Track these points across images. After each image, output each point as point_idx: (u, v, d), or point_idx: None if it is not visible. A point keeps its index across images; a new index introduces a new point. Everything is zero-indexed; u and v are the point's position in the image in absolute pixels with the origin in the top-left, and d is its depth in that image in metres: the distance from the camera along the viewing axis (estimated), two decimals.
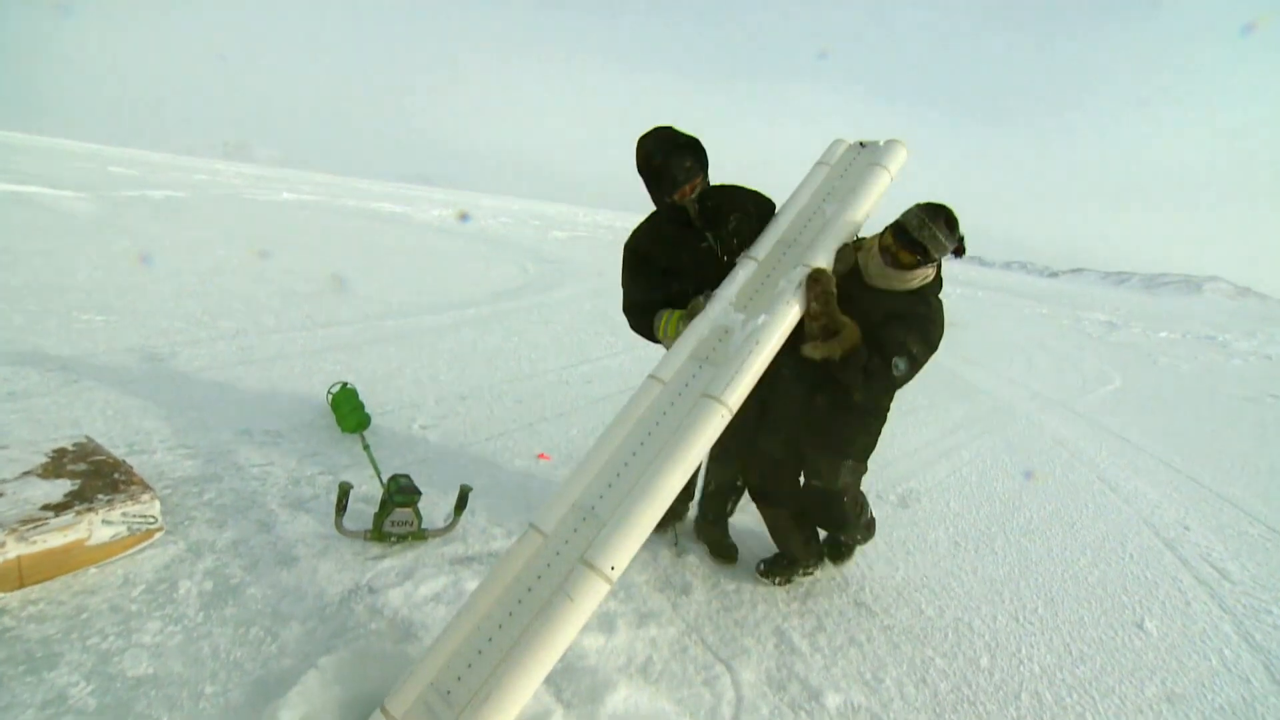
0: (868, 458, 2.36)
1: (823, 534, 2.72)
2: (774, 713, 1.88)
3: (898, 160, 2.18)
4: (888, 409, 2.32)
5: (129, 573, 1.93)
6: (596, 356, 5.54)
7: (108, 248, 7.67)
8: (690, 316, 2.00)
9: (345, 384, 3.43)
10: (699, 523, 2.78)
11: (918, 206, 1.94)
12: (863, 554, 2.95)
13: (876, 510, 3.41)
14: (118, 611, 1.78)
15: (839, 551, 2.71)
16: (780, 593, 2.50)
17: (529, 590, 1.50)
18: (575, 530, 1.55)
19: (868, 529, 2.63)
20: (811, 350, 1.97)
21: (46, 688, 1.52)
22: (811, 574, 2.60)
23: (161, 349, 4.16)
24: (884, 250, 1.98)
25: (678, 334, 1.98)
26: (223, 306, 5.50)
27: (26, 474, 2.06)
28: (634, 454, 1.66)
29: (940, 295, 2.15)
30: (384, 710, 1.45)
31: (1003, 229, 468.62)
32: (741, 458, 2.53)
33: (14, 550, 1.78)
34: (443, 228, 18.74)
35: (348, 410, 3.29)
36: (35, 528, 1.83)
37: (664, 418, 1.73)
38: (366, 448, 2.94)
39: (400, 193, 45.70)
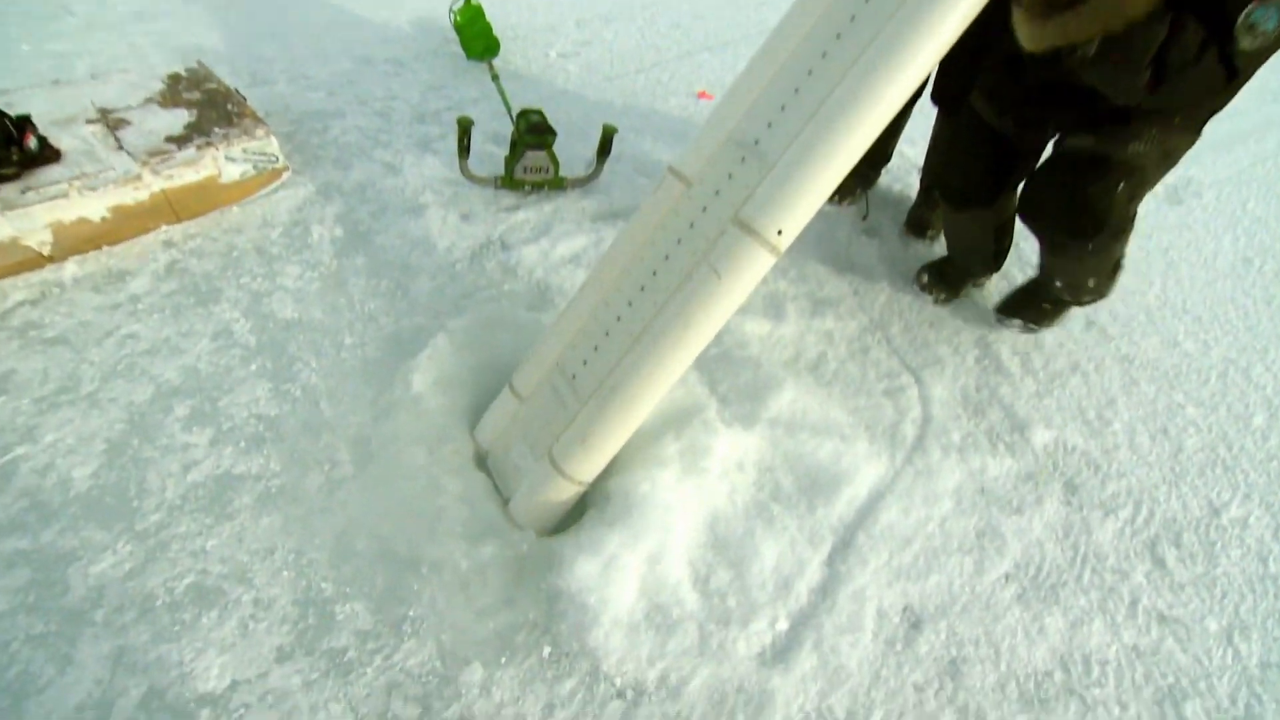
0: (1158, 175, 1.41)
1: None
2: (967, 441, 1.51)
3: None
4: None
5: (266, 214, 1.84)
6: None
7: None
8: None
9: (470, 0, 2.77)
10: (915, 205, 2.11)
11: None
12: None
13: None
14: (262, 254, 1.73)
15: (1038, 308, 1.79)
16: (993, 296, 1.89)
17: (666, 259, 1.09)
18: (730, 176, 1.05)
19: (1110, 275, 1.68)
20: (1030, 32, 1.02)
21: (215, 320, 1.55)
22: (981, 285, 1.91)
23: None
24: None
25: None
26: None
27: (149, 101, 1.90)
28: (810, 72, 0.99)
29: None
30: (511, 387, 1.28)
31: None
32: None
33: (155, 184, 1.70)
34: None
35: (474, 33, 2.71)
36: (164, 160, 1.71)
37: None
38: (495, 78, 2.44)
39: None
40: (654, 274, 1.11)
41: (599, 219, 1.96)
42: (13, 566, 1.12)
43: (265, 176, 1.88)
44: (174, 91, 1.96)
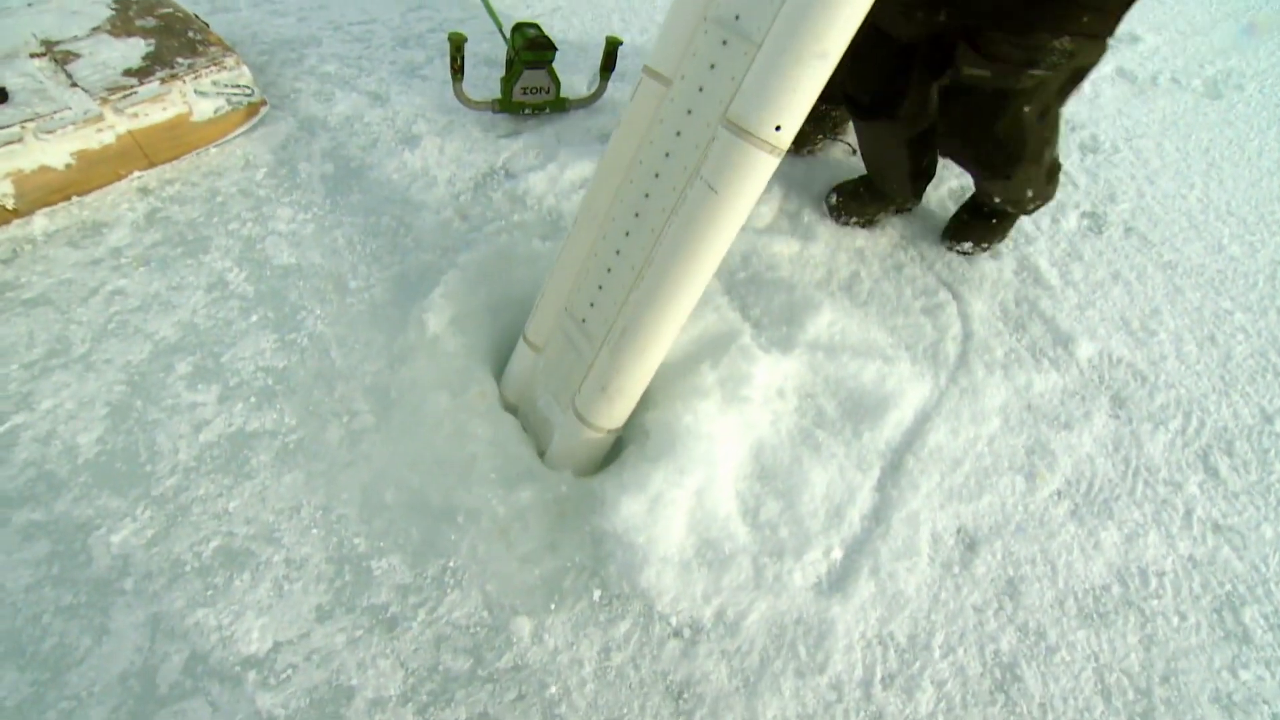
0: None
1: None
2: (1010, 356, 1.44)
3: None
4: None
5: (247, 153, 1.68)
6: None
7: None
8: None
9: None
10: None
11: None
12: (1141, 164, 1.99)
13: (1169, 101, 2.24)
14: (248, 196, 1.59)
15: (986, 225, 1.62)
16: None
17: (656, 177, 0.96)
18: (713, 67, 0.88)
19: (1048, 182, 1.51)
20: None
21: (206, 271, 1.44)
22: (906, 210, 1.74)
23: None
24: None
25: None
26: None
27: (97, 30, 1.71)
28: None
29: None
30: (525, 338, 1.19)
31: None
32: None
33: (121, 125, 1.55)
34: None
35: None
36: (126, 97, 1.55)
37: None
38: None
39: None
40: (646, 196, 0.98)
41: (608, 139, 1.81)
42: (31, 539, 1.06)
43: (242, 113, 1.72)
44: (125, 18, 1.76)
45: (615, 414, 1.08)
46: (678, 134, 0.93)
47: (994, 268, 1.62)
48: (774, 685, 1.00)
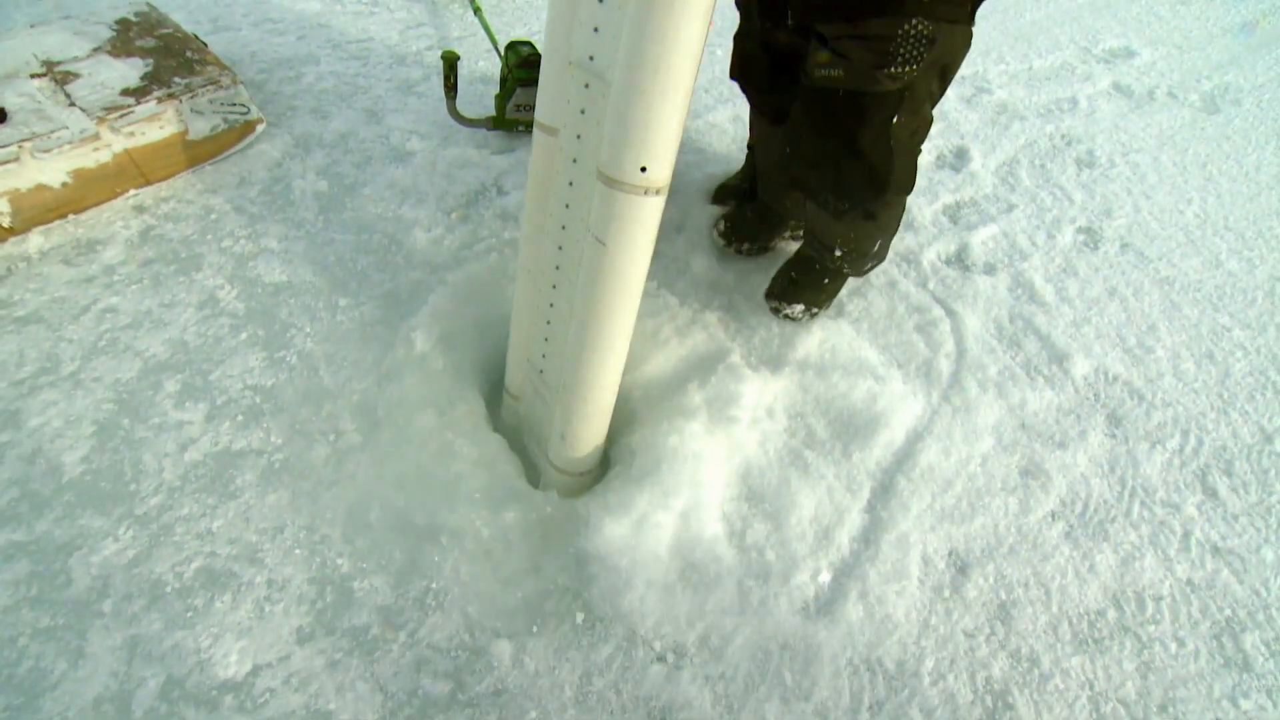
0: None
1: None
2: (1004, 374, 1.42)
3: None
4: None
5: (242, 171, 1.70)
6: None
7: None
8: None
9: None
10: None
11: None
12: (1138, 179, 1.97)
13: (1166, 115, 2.23)
14: (242, 213, 1.60)
15: (819, 286, 1.42)
16: (1021, 220, 1.78)
17: (563, 229, 0.96)
18: (583, 112, 0.85)
19: (892, 237, 1.35)
20: None
21: (198, 289, 1.45)
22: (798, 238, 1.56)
23: None
24: None
25: None
26: None
27: (97, 50, 1.74)
28: None
29: None
30: (506, 390, 1.22)
31: None
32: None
33: (117, 144, 1.57)
34: None
35: None
36: (123, 116, 1.57)
37: None
38: (478, 10, 2.24)
39: None
40: (560, 249, 0.98)
41: None
42: (10, 559, 1.06)
43: (238, 130, 1.73)
44: (125, 39, 1.79)
45: (578, 459, 1.10)
46: (570, 184, 0.92)
47: (988, 284, 1.61)
48: (758, 712, 0.98)
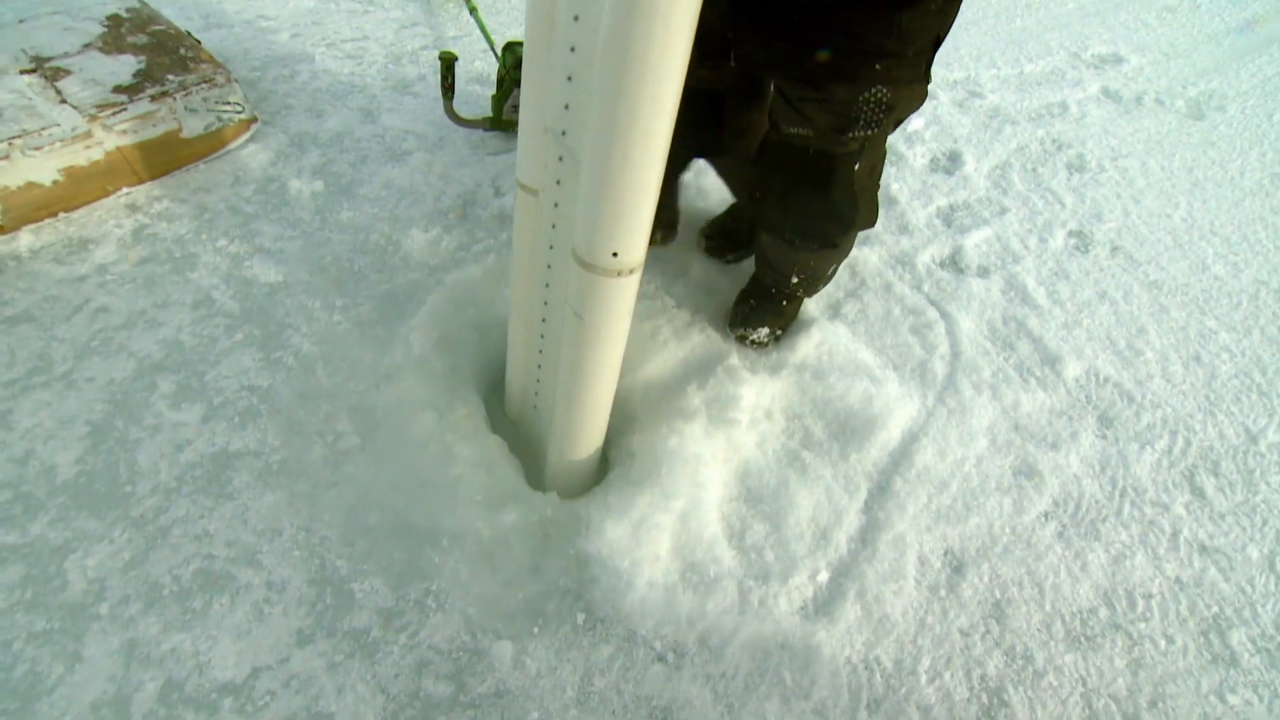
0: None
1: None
2: (998, 376, 1.44)
3: None
4: None
5: (237, 170, 1.69)
6: None
7: None
8: None
9: None
10: None
11: None
12: (1127, 183, 2.01)
13: (1154, 121, 2.27)
14: (237, 212, 1.59)
15: (778, 310, 1.42)
16: (1013, 223, 1.81)
17: (547, 286, 0.98)
18: (559, 183, 0.85)
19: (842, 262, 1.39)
20: None
21: (192, 288, 1.43)
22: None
23: None
24: None
25: None
26: None
27: (88, 47, 1.72)
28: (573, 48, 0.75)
29: None
30: (506, 415, 1.25)
31: None
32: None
33: (110, 141, 1.55)
34: None
35: None
36: (115, 114, 1.55)
37: None
38: (474, 10, 2.24)
39: None
40: (545, 304, 1.00)
41: None
42: (4, 563, 1.04)
43: (232, 129, 1.72)
44: (116, 35, 1.77)
45: (569, 486, 1.15)
46: (551, 247, 0.94)
47: (981, 286, 1.63)
48: (758, 711, 0.99)
